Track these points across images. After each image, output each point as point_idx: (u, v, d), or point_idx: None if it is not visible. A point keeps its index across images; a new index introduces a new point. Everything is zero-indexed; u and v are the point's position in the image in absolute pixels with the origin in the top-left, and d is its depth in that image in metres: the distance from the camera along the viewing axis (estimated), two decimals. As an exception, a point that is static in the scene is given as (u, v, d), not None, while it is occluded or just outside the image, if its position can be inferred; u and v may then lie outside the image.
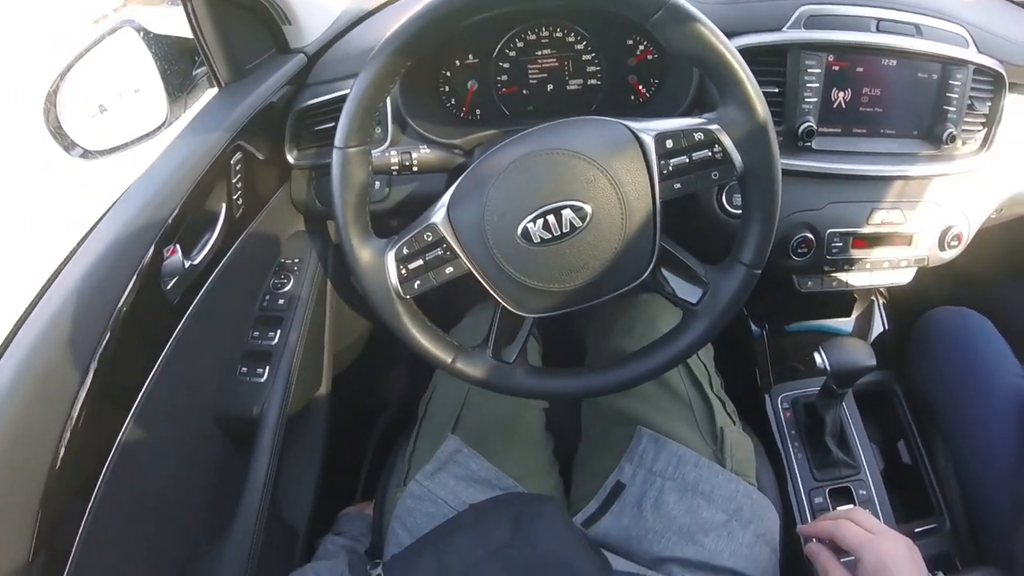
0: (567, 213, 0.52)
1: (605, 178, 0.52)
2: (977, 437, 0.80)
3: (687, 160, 0.53)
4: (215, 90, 0.81)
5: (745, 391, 0.79)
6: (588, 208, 0.52)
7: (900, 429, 0.89)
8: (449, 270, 0.55)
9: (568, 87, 0.84)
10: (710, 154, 0.53)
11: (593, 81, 0.83)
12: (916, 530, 0.81)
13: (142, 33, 0.77)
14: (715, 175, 0.54)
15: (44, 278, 0.63)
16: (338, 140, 0.56)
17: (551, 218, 0.52)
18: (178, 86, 0.80)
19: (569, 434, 0.80)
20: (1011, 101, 0.79)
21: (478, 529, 0.56)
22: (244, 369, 0.79)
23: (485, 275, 0.55)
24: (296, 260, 0.87)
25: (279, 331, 0.81)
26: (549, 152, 0.53)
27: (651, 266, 0.55)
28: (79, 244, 0.67)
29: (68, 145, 0.79)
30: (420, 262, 0.55)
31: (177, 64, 0.81)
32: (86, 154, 0.80)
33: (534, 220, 0.52)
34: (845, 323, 0.95)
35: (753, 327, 0.96)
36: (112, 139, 0.81)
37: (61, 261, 0.67)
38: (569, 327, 0.89)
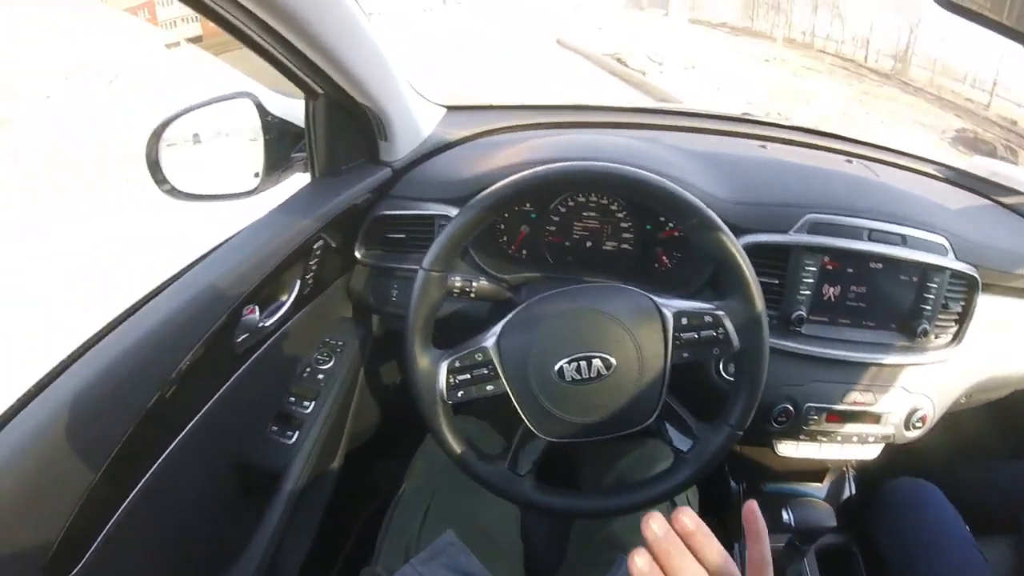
0: (597, 362, 0.64)
1: (631, 340, 0.65)
2: None
3: (696, 336, 0.66)
4: (307, 176, 0.93)
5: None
6: (613, 361, 0.65)
7: None
8: (490, 387, 0.67)
9: (604, 247, 0.96)
10: (715, 334, 0.66)
11: (626, 246, 0.95)
12: None
13: (258, 107, 0.88)
14: (716, 351, 0.67)
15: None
16: (425, 262, 0.68)
17: (583, 363, 0.64)
18: (276, 162, 0.91)
19: (539, 545, 0.87)
20: (984, 300, 0.87)
21: None
22: (275, 428, 0.87)
23: (519, 398, 0.66)
24: (340, 343, 0.96)
25: (314, 403, 0.89)
26: (593, 311, 0.66)
27: (654, 415, 0.67)
28: (168, 282, 0.73)
29: (160, 179, 0.87)
30: (467, 376, 0.67)
31: (279, 142, 0.91)
32: (173, 191, 0.88)
33: (570, 362, 0.64)
34: (818, 488, 1.04)
35: (732, 483, 1.05)
36: (201, 188, 0.90)
37: (146, 294, 0.73)
38: (563, 453, 0.96)
